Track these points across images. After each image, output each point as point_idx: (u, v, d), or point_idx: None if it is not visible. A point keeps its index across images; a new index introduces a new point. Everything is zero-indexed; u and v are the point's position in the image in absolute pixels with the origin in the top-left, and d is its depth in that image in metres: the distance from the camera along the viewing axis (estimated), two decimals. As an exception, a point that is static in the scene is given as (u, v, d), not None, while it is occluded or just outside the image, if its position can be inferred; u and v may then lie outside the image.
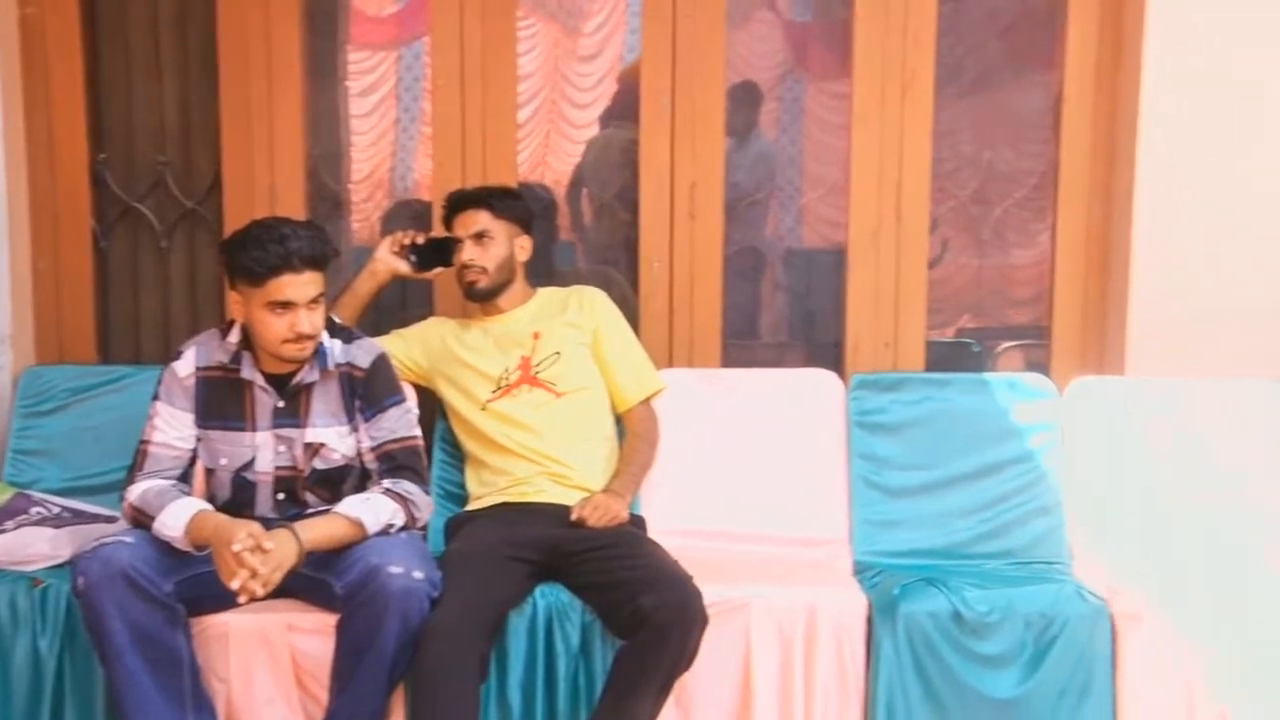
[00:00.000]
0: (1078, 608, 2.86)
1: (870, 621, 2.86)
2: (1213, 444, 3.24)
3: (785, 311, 3.97)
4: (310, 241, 2.74)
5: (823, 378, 3.43)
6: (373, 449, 2.90)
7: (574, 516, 2.99)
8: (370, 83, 3.98)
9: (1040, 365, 3.66)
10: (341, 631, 2.67)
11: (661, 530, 3.14)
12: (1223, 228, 3.40)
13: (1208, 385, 3.30)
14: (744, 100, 3.83)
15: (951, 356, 3.80)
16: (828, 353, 3.73)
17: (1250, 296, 3.39)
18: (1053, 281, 3.64)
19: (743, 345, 3.81)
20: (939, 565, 3.12)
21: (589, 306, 3.30)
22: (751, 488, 3.31)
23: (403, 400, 2.94)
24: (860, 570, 3.15)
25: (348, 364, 2.89)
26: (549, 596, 2.83)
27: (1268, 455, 3.21)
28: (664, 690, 2.71)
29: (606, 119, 3.93)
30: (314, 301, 2.77)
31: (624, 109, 3.75)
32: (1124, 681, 2.83)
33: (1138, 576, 3.00)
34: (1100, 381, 3.38)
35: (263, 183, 3.62)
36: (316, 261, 2.76)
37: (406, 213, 3.88)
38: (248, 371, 2.85)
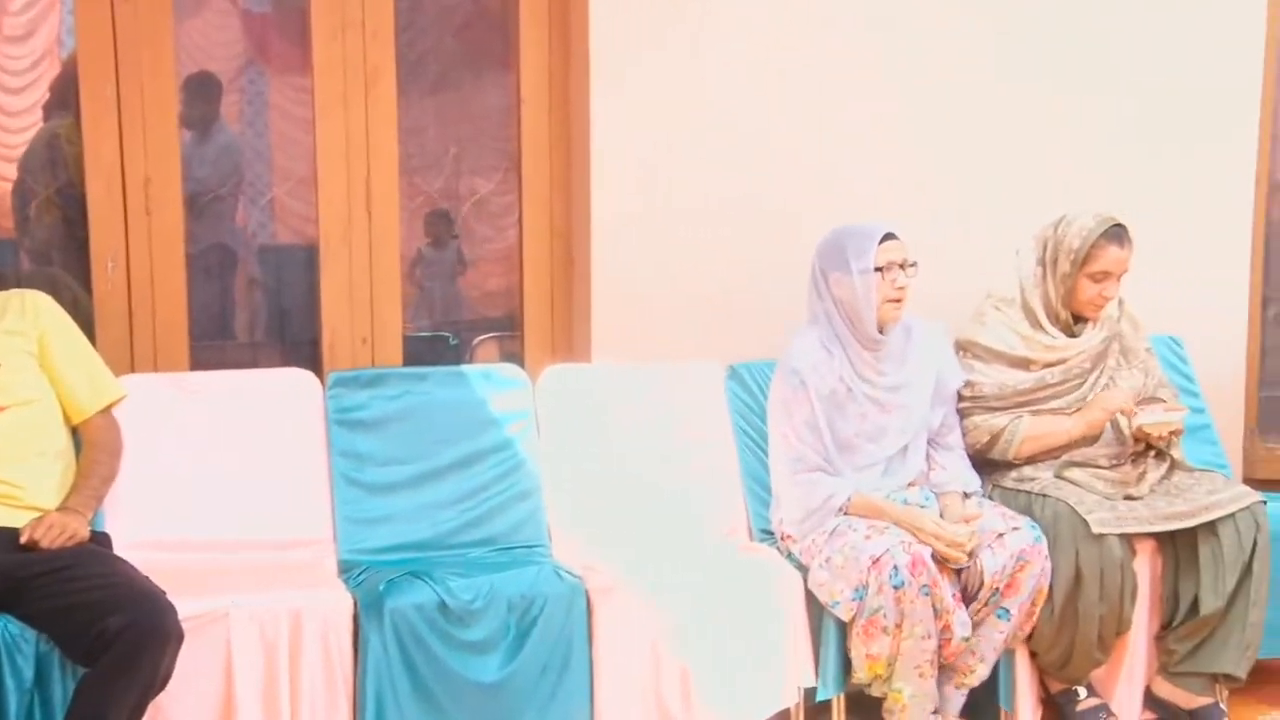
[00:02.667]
0: (556, 587, 2.98)
1: (357, 620, 2.85)
2: (668, 422, 3.49)
3: (259, 310, 3.86)
4: None
5: (299, 376, 3.37)
6: None
7: (24, 539, 2.76)
8: None
9: (515, 356, 3.78)
10: None
11: (130, 545, 2.96)
12: (670, 222, 3.63)
13: (662, 368, 3.54)
14: (201, 92, 3.69)
15: (429, 351, 3.85)
16: (304, 351, 3.67)
17: (695, 287, 3.64)
18: (522, 274, 3.77)
19: (214, 346, 3.68)
20: (424, 557, 3.16)
21: (32, 311, 3.03)
22: (228, 494, 3.20)
23: None
24: (346, 569, 3.13)
25: None
26: (-5, 629, 2.59)
27: (709, 429, 3.49)
28: (135, 715, 2.58)
29: (50, 109, 3.63)
30: None
31: (68, 98, 3.49)
32: (599, 652, 2.98)
33: (610, 552, 3.18)
34: (570, 369, 3.55)
35: None
36: None
37: None
38: None
